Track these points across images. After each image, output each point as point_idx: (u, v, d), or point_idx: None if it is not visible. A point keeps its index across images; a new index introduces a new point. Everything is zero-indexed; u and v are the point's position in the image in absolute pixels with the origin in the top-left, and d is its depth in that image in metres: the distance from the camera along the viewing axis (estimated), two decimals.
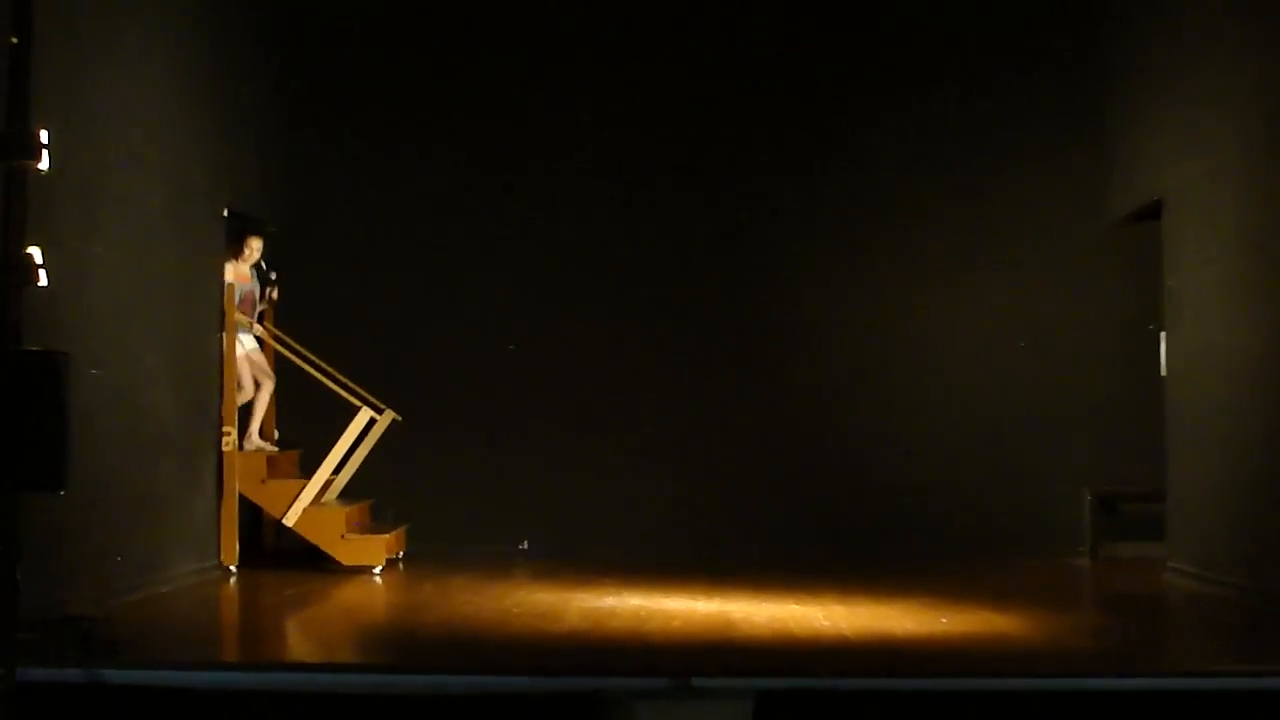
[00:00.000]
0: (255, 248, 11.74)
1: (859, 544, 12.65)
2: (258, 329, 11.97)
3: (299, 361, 11.92)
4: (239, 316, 11.54)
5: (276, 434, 12.36)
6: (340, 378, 12.05)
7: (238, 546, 11.38)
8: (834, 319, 13.03)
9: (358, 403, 11.81)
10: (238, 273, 11.64)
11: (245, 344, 11.73)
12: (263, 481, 11.54)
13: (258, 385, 11.89)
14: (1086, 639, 8.89)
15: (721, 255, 13.09)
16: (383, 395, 12.24)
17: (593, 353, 13.03)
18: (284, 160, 12.82)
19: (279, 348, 11.99)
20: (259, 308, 11.87)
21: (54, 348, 7.48)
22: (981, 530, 12.66)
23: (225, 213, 11.55)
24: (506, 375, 13.04)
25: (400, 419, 12.19)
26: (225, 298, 11.38)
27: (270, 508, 11.63)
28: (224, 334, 11.32)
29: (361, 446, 12.02)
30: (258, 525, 12.13)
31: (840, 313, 13.03)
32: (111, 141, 9.65)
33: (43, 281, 7.43)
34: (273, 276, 11.74)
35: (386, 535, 11.74)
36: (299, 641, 9.10)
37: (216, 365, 11.35)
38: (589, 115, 13.07)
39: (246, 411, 11.77)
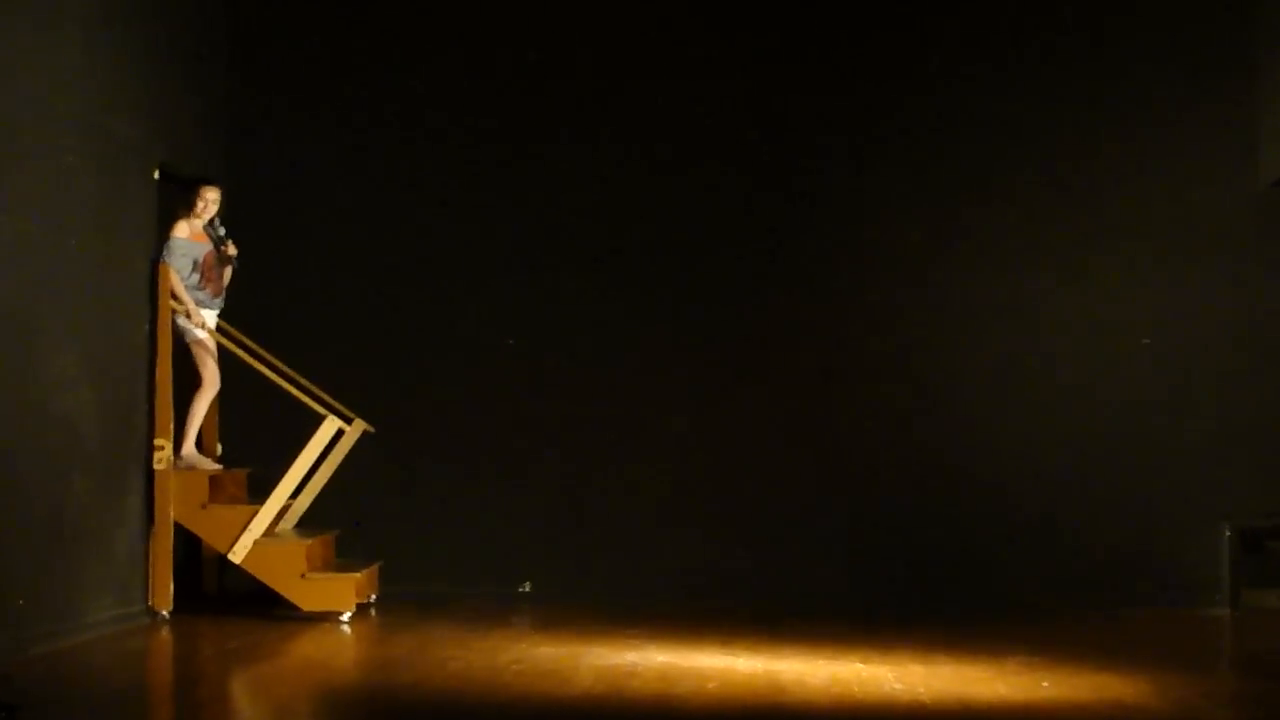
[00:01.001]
0: (211, 199, 11.70)
1: (940, 589, 12.74)
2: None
3: (248, 359, 11.84)
4: (192, 289, 11.57)
5: (220, 448, 12.32)
6: (299, 379, 12.08)
7: (171, 587, 11.39)
8: (912, 317, 13.08)
9: (321, 410, 11.78)
10: (192, 230, 11.64)
11: (210, 321, 11.75)
12: (203, 507, 11.51)
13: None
14: (1224, 709, 8.84)
15: (775, 241, 13.14)
16: (351, 402, 12.26)
17: (610, 353, 13.15)
18: (228, 111, 12.93)
19: (224, 341, 11.90)
20: (226, 274, 11.81)
21: None
22: (1094, 573, 12.74)
23: (157, 174, 11.59)
24: (504, 378, 13.09)
25: (373, 430, 12.23)
26: (163, 264, 11.43)
27: (212, 540, 11.63)
28: (169, 313, 11.38)
29: (325, 464, 12.05)
30: (196, 561, 12.16)
31: (919, 310, 13.07)
32: (15, 90, 9.63)
33: None
34: (222, 233, 11.72)
35: (356, 575, 11.73)
36: (247, 706, 9.03)
37: (145, 363, 11.33)
38: (602, 65, 13.22)
39: (185, 415, 11.74)
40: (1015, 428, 12.95)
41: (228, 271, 11.79)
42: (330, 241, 13.07)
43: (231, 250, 11.74)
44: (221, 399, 12.23)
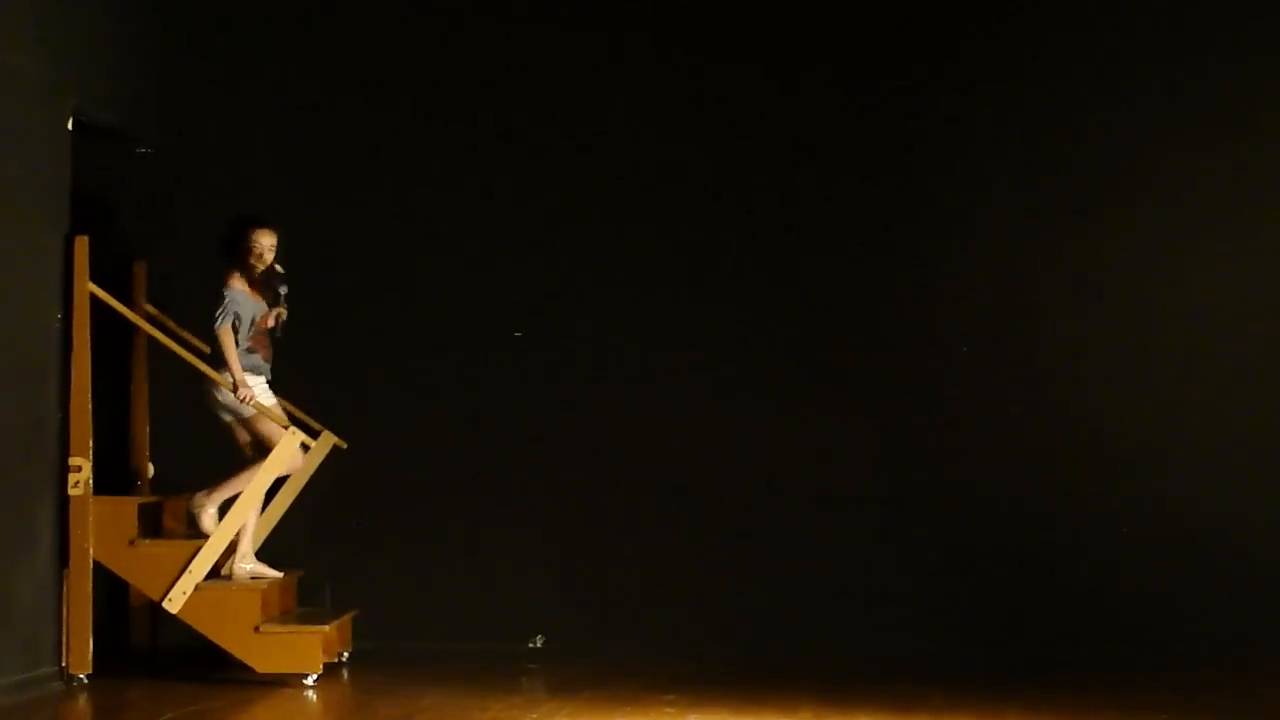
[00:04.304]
0: (267, 246, 11.21)
1: (1040, 640, 12.22)
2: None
3: (189, 357, 11.24)
4: (245, 353, 11.12)
5: (152, 469, 11.95)
6: None
7: (91, 644, 10.87)
8: (981, 315, 12.57)
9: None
10: (251, 283, 11.32)
11: (262, 390, 11.29)
12: (131, 543, 11.00)
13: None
14: None
15: (830, 230, 12.63)
16: (319, 413, 11.82)
17: (642, 360, 12.71)
18: (156, 48, 12.53)
19: (159, 335, 11.36)
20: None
21: None
22: (1198, 624, 12.22)
23: (70, 124, 11.17)
24: (509, 386, 12.62)
25: (345, 446, 11.74)
26: (223, 322, 10.97)
27: (142, 584, 11.12)
28: (86, 301, 10.84)
29: (285, 490, 11.60)
30: (123, 612, 11.89)
31: (987, 307, 12.56)
32: None
33: None
34: (282, 291, 11.37)
35: (324, 627, 11.22)
36: None
37: (57, 364, 10.84)
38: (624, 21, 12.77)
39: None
40: (1102, 447, 12.45)
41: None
42: (289, 214, 12.14)
43: (283, 317, 11.29)
44: (158, 410, 11.97)
